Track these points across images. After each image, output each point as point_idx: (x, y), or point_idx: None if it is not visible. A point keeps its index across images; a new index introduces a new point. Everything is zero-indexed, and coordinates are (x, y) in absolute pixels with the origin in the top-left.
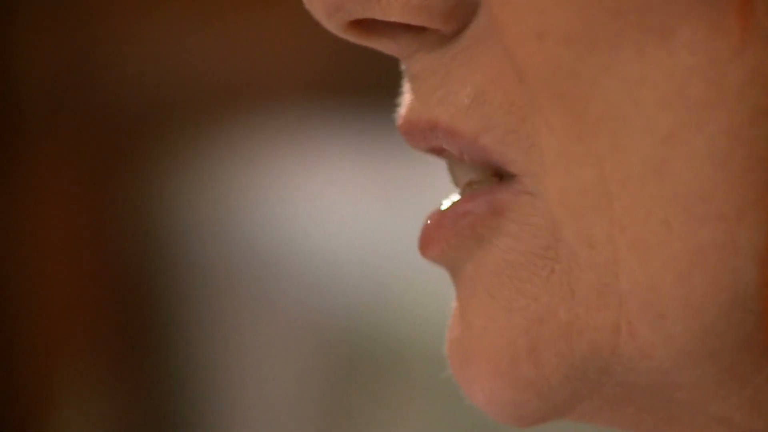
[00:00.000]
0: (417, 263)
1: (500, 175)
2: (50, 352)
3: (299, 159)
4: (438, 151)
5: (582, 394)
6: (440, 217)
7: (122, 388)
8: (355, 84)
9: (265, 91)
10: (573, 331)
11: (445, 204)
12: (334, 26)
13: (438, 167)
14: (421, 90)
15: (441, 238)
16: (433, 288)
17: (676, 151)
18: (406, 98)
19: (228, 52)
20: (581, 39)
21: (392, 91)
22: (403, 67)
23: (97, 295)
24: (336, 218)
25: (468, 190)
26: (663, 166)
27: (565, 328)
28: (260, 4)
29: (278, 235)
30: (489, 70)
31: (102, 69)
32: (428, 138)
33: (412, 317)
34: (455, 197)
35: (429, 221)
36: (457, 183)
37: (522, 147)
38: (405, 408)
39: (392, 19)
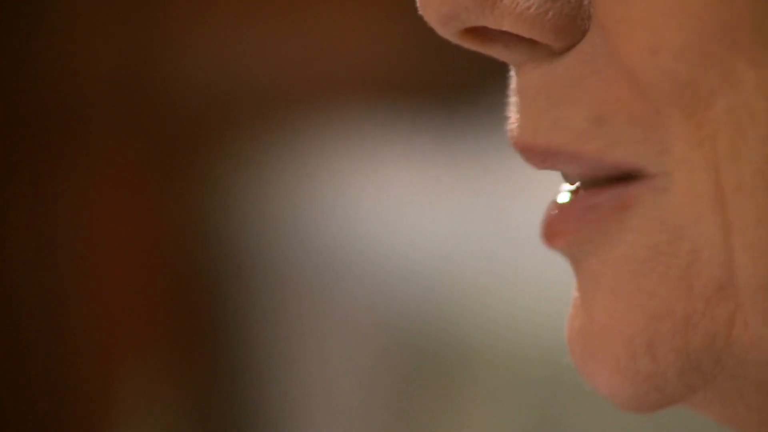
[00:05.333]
0: (484, 264)
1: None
2: (112, 352)
3: (362, 159)
4: (555, 169)
5: (696, 386)
6: (567, 208)
7: (184, 390)
8: (416, 83)
9: (323, 92)
10: (690, 324)
11: (565, 196)
12: (448, 33)
13: (502, 167)
14: (529, 109)
15: (568, 230)
16: (500, 290)
17: None
18: (514, 114)
19: (288, 53)
20: (695, 52)
21: (452, 91)
22: (511, 74)
23: (158, 297)
24: (401, 218)
25: (588, 185)
26: None
27: (682, 322)
28: (318, 5)
29: (342, 236)
30: (602, 92)
31: (163, 71)
32: (548, 161)
33: (478, 319)
34: (567, 191)
35: (554, 211)
36: (569, 180)
37: (654, 151)
38: (471, 410)
39: (504, 28)
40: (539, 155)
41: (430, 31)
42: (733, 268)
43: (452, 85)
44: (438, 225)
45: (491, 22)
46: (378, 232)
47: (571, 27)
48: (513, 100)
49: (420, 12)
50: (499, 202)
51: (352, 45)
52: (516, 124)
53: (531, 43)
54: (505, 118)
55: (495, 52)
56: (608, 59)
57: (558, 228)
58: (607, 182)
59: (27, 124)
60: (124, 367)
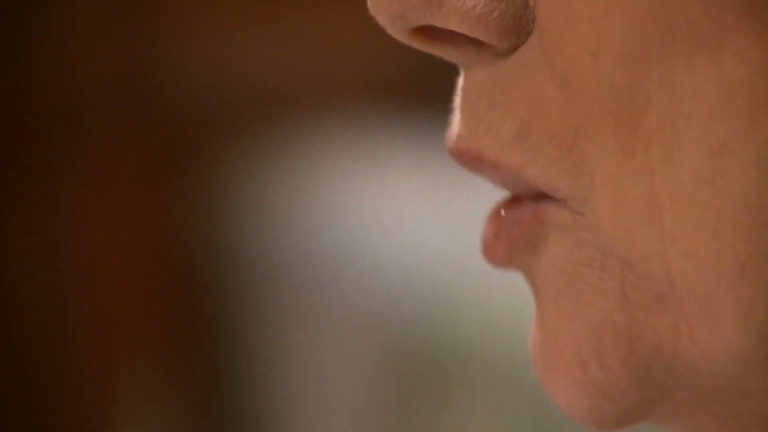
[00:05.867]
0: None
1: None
2: (111, 354)
3: (362, 163)
4: (485, 176)
5: (653, 398)
6: (496, 226)
7: (183, 393)
8: (418, 87)
9: (324, 95)
10: (633, 334)
11: (494, 208)
12: (397, 32)
13: None
14: (468, 114)
15: (499, 247)
16: (497, 293)
17: (725, 162)
18: (455, 119)
19: (289, 56)
20: (635, 55)
21: (450, 98)
22: (458, 78)
23: (158, 299)
24: (401, 222)
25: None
26: (712, 178)
27: (625, 331)
28: (320, 8)
29: (342, 240)
30: (530, 102)
31: (164, 73)
32: (476, 167)
33: (477, 323)
34: (497, 204)
35: (486, 231)
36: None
37: (568, 174)
38: (470, 414)
39: (451, 27)
40: (471, 161)
41: None
42: (673, 278)
43: (453, 90)
44: (438, 228)
45: (438, 21)
46: (378, 236)
47: (516, 28)
48: (456, 102)
49: (370, 11)
50: (493, 204)
51: (352, 48)
52: (455, 128)
53: (478, 44)
54: None
55: (444, 52)
56: (543, 64)
57: (490, 246)
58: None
59: (27, 126)
60: (124, 369)
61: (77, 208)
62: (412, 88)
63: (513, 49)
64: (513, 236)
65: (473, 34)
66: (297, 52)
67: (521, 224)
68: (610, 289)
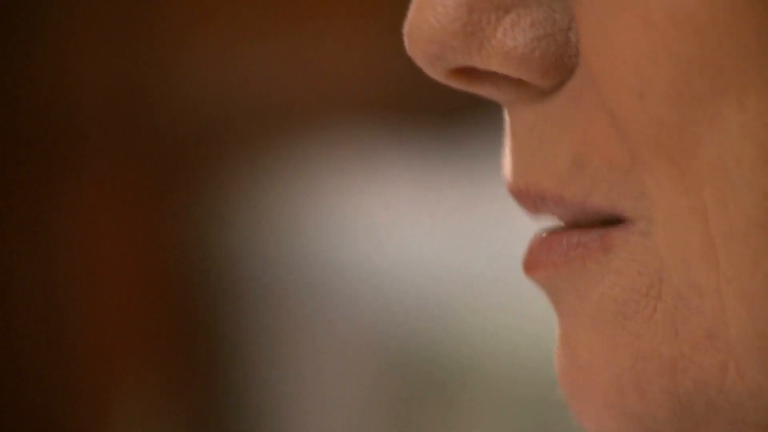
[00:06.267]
0: (477, 283)
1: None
2: (108, 366)
3: (359, 178)
4: (546, 214)
5: (689, 430)
6: (550, 240)
7: (179, 405)
8: (414, 102)
9: (320, 110)
10: (678, 368)
11: (550, 228)
12: (435, 74)
13: (500, 185)
14: (521, 151)
15: (550, 262)
16: (494, 308)
17: None
18: (508, 157)
19: (285, 71)
20: (683, 96)
21: (451, 110)
22: (504, 116)
23: (155, 313)
24: (397, 237)
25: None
26: (766, 221)
27: (669, 365)
28: (317, 22)
29: (339, 254)
30: (583, 133)
31: (161, 88)
32: (539, 206)
33: (474, 338)
34: (553, 226)
35: (538, 241)
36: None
37: (631, 196)
38: (466, 429)
39: (492, 69)
40: (530, 200)
41: None
42: (725, 317)
43: (449, 104)
44: (435, 243)
45: (478, 62)
46: (374, 251)
47: (559, 65)
48: (506, 141)
49: (408, 52)
50: (496, 220)
51: (348, 63)
52: (509, 167)
53: (519, 82)
54: (504, 134)
55: (484, 91)
56: (593, 98)
57: (540, 259)
58: (592, 223)
59: (24, 140)
60: (121, 380)
61: (74, 221)
62: (409, 102)
63: (557, 86)
64: (570, 257)
65: (515, 75)
66: (294, 66)
67: (585, 249)
68: (661, 321)
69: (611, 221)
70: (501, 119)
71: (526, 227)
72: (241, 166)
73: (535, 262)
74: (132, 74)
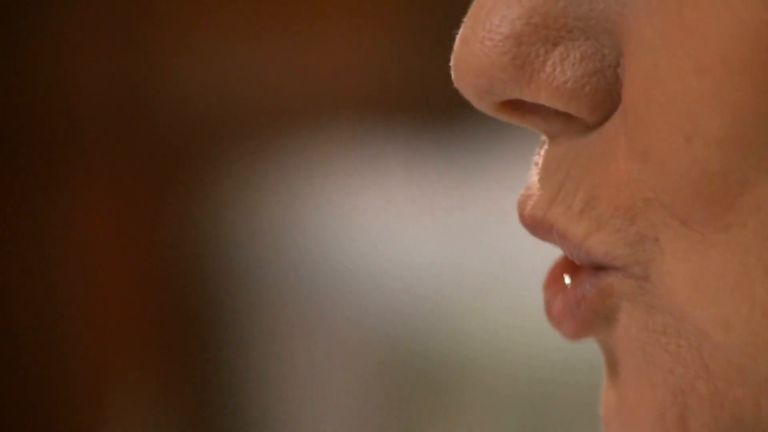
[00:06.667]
0: (474, 282)
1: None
2: (104, 363)
3: (355, 175)
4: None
5: None
6: (561, 301)
7: (175, 402)
8: (411, 100)
9: (316, 107)
10: (715, 403)
11: (553, 269)
12: (484, 107)
13: (499, 184)
14: (547, 183)
15: (570, 325)
16: (490, 307)
17: None
18: (533, 185)
19: (281, 69)
20: (733, 141)
21: (444, 110)
22: (541, 140)
23: (151, 309)
24: (394, 235)
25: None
26: None
27: (708, 400)
28: (312, 23)
29: (335, 252)
30: (604, 172)
31: (157, 85)
32: (547, 237)
33: (471, 335)
34: (558, 263)
35: (551, 302)
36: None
37: (627, 241)
38: (463, 425)
39: (541, 102)
40: (541, 231)
41: (425, 47)
42: (755, 353)
43: (447, 104)
44: (432, 242)
45: (528, 96)
46: (371, 249)
47: (607, 102)
48: (535, 168)
49: (455, 84)
50: (494, 219)
51: (344, 61)
52: (530, 194)
53: (568, 116)
54: (501, 135)
55: (532, 124)
56: (621, 138)
57: (561, 320)
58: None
59: (21, 138)
60: (117, 376)
61: (71, 219)
62: (405, 100)
63: (602, 122)
64: (581, 314)
65: (564, 109)
66: (291, 66)
67: (587, 301)
68: (689, 357)
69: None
70: (500, 120)
71: (523, 228)
72: (238, 164)
73: (558, 322)
74: (128, 73)
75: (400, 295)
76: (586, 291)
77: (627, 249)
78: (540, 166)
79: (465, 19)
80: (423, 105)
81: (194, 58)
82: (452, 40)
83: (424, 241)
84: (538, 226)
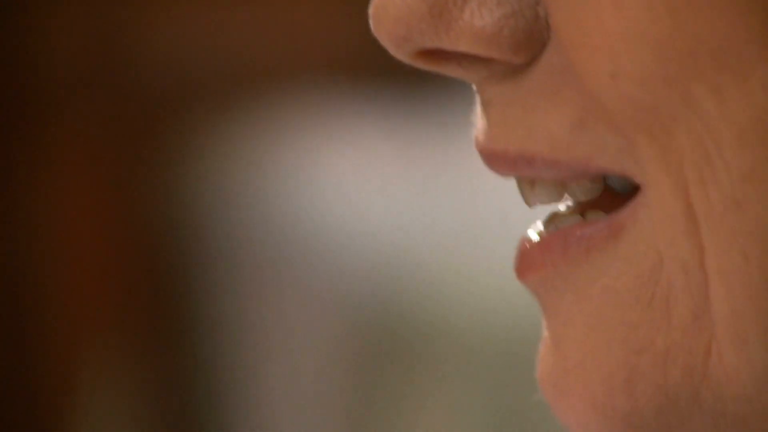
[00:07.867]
0: (446, 243)
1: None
2: (76, 336)
3: (327, 138)
4: (523, 174)
5: (672, 425)
6: (547, 240)
7: (147, 369)
8: (383, 63)
9: (291, 70)
10: (669, 358)
11: (538, 229)
12: (401, 55)
13: (467, 146)
14: (500, 119)
15: (548, 262)
16: (462, 269)
17: (755, 188)
18: (482, 124)
19: (255, 32)
20: (654, 78)
21: (415, 69)
22: (474, 90)
23: (121, 279)
24: (364, 198)
25: (563, 221)
26: (742, 202)
27: (662, 356)
28: None
29: (306, 216)
30: (579, 101)
31: (127, 48)
32: (519, 168)
33: (441, 299)
34: (540, 225)
35: (530, 244)
36: (528, 203)
37: (639, 161)
38: (433, 388)
39: (460, 50)
40: (509, 162)
41: None
42: (708, 296)
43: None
44: (403, 201)
45: (446, 44)
46: (342, 212)
47: (530, 41)
48: (480, 110)
49: (373, 32)
50: (463, 181)
51: (319, 24)
52: (483, 132)
53: (488, 60)
54: (473, 93)
55: (451, 71)
56: (573, 73)
57: (535, 260)
58: (593, 212)
59: None
60: (89, 351)
61: (42, 191)
62: (379, 65)
63: (531, 61)
64: (572, 253)
65: (485, 55)
66: (262, 29)
67: (589, 240)
68: (657, 307)
69: (615, 205)
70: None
71: (496, 186)
72: (211, 126)
73: (529, 264)
74: (102, 35)
75: (373, 253)
76: (594, 230)
77: (640, 169)
78: (485, 108)
79: None
80: (395, 65)
81: (169, 21)
82: None
83: (396, 200)
84: (504, 157)
